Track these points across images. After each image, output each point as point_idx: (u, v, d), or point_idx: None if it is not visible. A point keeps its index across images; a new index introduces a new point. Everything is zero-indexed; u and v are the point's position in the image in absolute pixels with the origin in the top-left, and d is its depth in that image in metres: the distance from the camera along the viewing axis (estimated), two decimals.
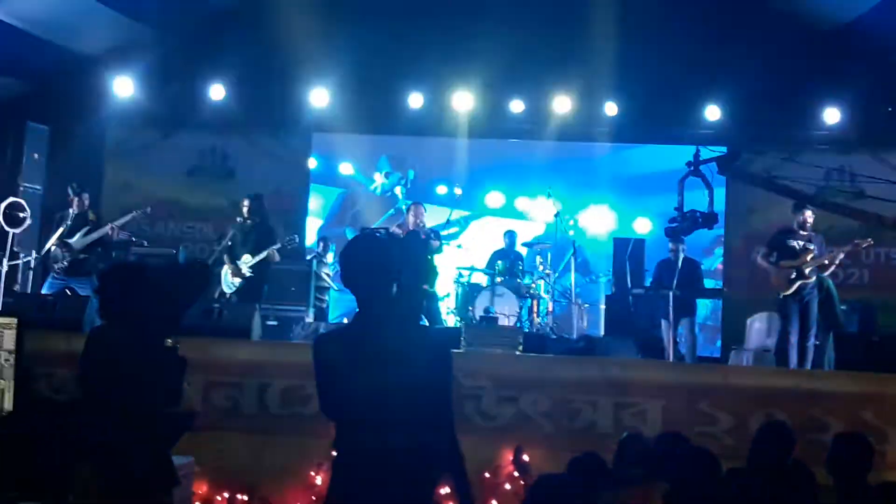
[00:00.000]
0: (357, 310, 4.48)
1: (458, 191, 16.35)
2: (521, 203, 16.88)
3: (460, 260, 14.42)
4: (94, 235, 11.96)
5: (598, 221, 16.61)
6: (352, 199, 16.94)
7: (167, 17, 14.75)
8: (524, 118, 15.52)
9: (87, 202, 12.25)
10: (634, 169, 16.10)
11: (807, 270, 11.18)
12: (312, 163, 16.57)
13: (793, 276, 11.19)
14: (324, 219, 16.74)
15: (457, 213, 15.91)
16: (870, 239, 11.88)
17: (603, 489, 5.93)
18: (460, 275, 13.93)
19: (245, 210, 12.59)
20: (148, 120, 15.75)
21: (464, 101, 15.10)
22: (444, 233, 14.36)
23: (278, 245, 12.42)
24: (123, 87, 15.27)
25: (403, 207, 12.95)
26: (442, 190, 16.38)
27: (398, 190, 14.56)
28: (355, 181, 16.92)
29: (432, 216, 14.26)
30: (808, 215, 11.29)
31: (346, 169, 16.80)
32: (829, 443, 6.54)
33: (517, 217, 16.28)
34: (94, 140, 15.90)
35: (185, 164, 16.17)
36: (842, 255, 11.65)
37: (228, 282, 12.26)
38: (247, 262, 12.15)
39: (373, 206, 16.05)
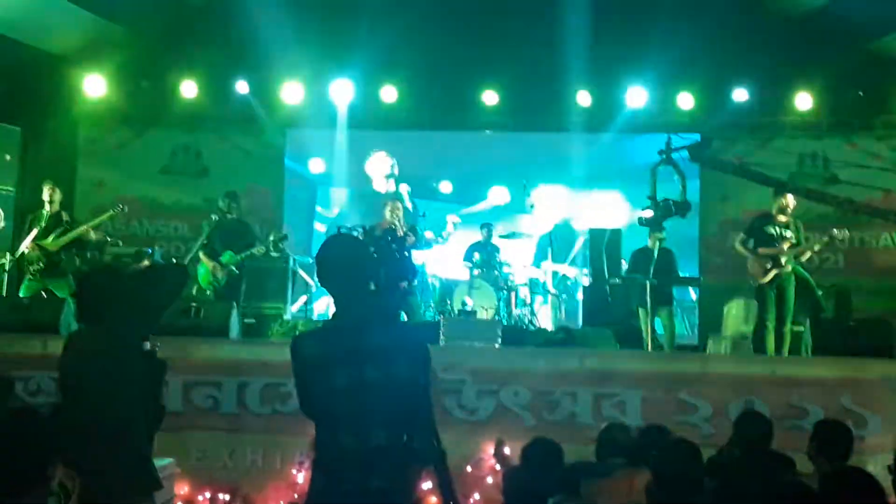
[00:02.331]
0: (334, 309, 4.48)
1: (446, 186, 16.21)
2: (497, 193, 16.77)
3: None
4: (69, 237, 11.86)
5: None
6: (359, 199, 16.73)
7: (138, 15, 14.68)
8: (497, 110, 15.52)
9: (60, 196, 12.10)
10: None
11: (783, 259, 11.20)
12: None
13: (769, 264, 11.22)
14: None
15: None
16: (846, 230, 11.96)
17: (585, 479, 5.95)
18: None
19: (221, 207, 12.50)
20: (120, 118, 15.69)
21: (437, 92, 15.11)
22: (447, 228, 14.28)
23: (267, 243, 12.38)
24: (95, 85, 15.21)
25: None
26: (446, 187, 16.21)
27: (403, 188, 14.44)
28: (363, 181, 16.66)
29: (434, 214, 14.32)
30: (790, 200, 11.28)
31: (317, 166, 16.68)
32: (808, 429, 6.57)
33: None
34: (66, 140, 15.80)
35: (158, 163, 16.07)
36: (818, 247, 11.73)
37: (208, 279, 12.19)
38: (230, 260, 12.07)
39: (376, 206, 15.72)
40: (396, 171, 16.28)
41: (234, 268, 12.09)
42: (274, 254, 12.67)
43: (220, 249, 12.20)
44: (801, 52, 14.45)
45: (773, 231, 11.33)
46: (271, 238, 12.54)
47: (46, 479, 3.38)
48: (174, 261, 11.41)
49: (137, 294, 5.03)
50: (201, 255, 12.34)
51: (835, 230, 11.73)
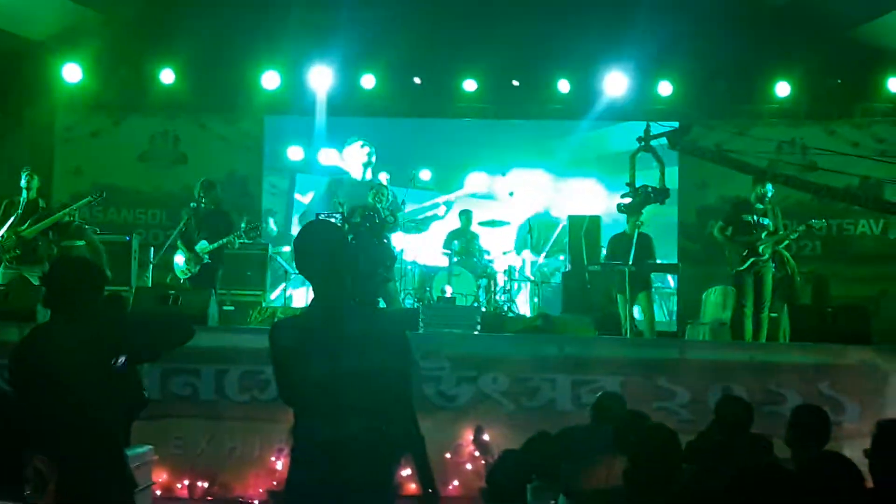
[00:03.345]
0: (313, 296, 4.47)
1: (425, 174, 16.19)
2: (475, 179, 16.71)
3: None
4: (46, 222, 11.79)
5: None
6: (336, 187, 16.65)
7: (115, 1, 14.60)
8: (476, 97, 15.53)
9: (37, 182, 12.02)
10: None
11: (760, 247, 11.26)
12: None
13: (745, 252, 11.27)
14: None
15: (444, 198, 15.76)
16: (824, 221, 12.05)
17: (563, 464, 5.97)
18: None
19: (198, 196, 12.42)
20: (98, 105, 15.64)
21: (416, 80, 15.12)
22: (428, 214, 14.32)
23: (239, 232, 12.29)
24: (72, 72, 15.14)
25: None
26: (425, 175, 16.18)
27: (383, 177, 14.40)
28: (341, 169, 16.59)
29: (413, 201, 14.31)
30: (768, 188, 11.34)
31: (295, 154, 16.61)
32: (786, 414, 6.60)
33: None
34: (43, 126, 15.74)
35: (136, 150, 16.02)
36: (795, 236, 11.82)
37: (183, 268, 12.12)
38: (203, 248, 12.00)
39: (357, 193, 15.59)
40: (374, 160, 16.25)
41: (206, 256, 12.01)
42: (246, 241, 12.59)
43: (195, 238, 12.13)
44: (780, 39, 14.51)
45: (750, 219, 11.38)
46: (242, 226, 12.45)
47: (24, 467, 3.35)
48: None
49: (141, 340, 4.98)
50: (178, 243, 12.28)
51: (813, 220, 11.83)
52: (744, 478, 3.91)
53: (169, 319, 5.30)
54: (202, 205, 12.24)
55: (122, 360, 4.85)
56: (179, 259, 12.17)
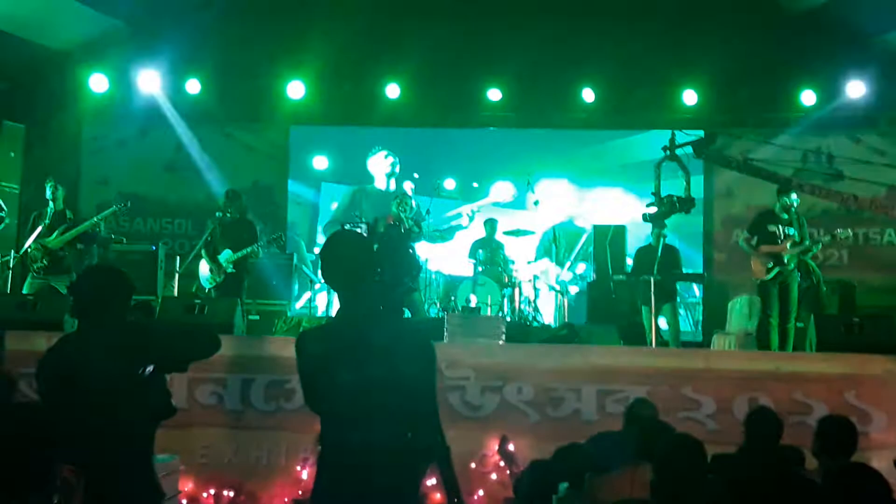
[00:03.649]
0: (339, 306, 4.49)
1: (450, 183, 16.19)
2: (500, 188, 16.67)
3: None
4: (73, 233, 11.87)
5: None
6: (361, 196, 16.68)
7: (140, 11, 14.69)
8: (502, 106, 15.55)
9: (64, 193, 12.09)
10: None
11: (785, 258, 11.21)
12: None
13: (770, 264, 11.23)
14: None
15: (467, 208, 15.76)
16: (849, 230, 11.99)
17: (588, 474, 5.95)
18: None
19: (223, 205, 12.45)
20: (124, 115, 15.68)
21: (442, 89, 15.14)
22: (452, 224, 14.34)
23: (262, 242, 12.31)
24: (98, 82, 15.24)
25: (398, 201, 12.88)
26: (450, 184, 16.18)
27: (407, 185, 14.40)
28: (365, 178, 16.64)
29: (438, 211, 14.39)
30: (794, 198, 11.30)
31: (320, 163, 16.64)
32: (812, 425, 6.57)
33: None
34: (70, 137, 15.87)
35: (162, 159, 16.11)
36: (819, 246, 11.78)
37: (208, 277, 12.16)
38: (228, 258, 12.04)
39: (381, 203, 15.59)
40: (398, 170, 16.28)
41: (230, 266, 12.03)
42: (272, 250, 12.62)
43: (220, 248, 12.16)
44: (805, 48, 14.46)
45: (775, 229, 11.34)
46: (265, 238, 12.48)
47: (52, 476, 3.38)
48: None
49: (168, 350, 5.00)
50: (202, 252, 12.32)
51: (839, 230, 11.79)
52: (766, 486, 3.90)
53: (196, 330, 5.29)
54: (227, 214, 12.27)
55: (149, 369, 4.87)
56: (204, 268, 12.20)
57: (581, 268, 15.82)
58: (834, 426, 6.27)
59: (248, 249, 12.04)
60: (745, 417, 6.68)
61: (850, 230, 12.24)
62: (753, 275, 11.46)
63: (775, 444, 6.33)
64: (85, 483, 3.54)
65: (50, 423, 3.48)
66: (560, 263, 15.22)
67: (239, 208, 12.39)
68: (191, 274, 12.71)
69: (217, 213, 12.36)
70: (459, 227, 14.05)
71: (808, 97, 14.97)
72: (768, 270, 11.23)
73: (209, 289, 12.16)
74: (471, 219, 14.42)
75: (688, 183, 10.09)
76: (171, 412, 5.15)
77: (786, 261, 11.21)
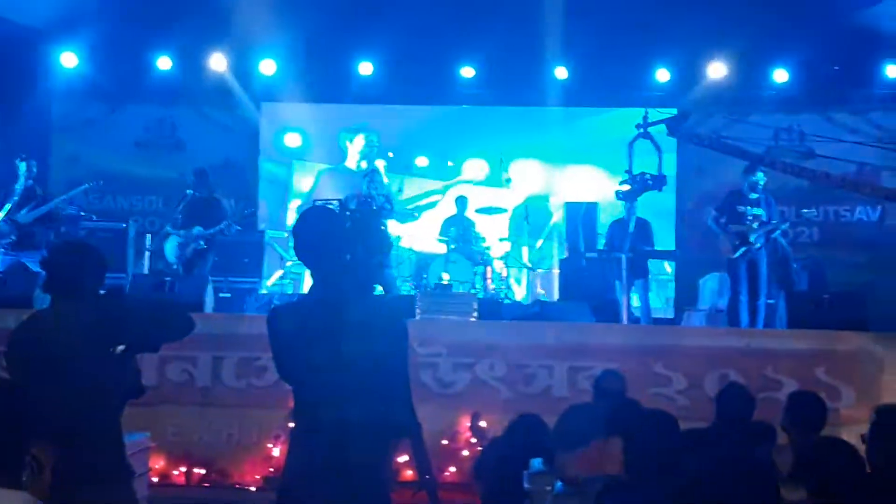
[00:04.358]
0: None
1: (422, 161, 16.13)
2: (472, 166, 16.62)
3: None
4: (43, 209, 11.80)
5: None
6: (333, 174, 16.59)
7: None
8: (475, 83, 15.53)
9: (34, 169, 12.03)
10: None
11: (752, 237, 11.30)
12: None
13: (737, 241, 11.31)
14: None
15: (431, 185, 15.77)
16: (814, 210, 12.16)
17: (557, 450, 5.95)
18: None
19: (191, 183, 12.43)
20: (94, 92, 15.63)
21: (415, 66, 15.10)
22: (423, 202, 14.32)
23: (235, 218, 12.30)
24: (69, 59, 15.17)
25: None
26: (422, 161, 16.12)
27: (380, 163, 14.35)
28: (336, 157, 16.55)
29: (410, 188, 14.34)
30: (760, 177, 11.37)
31: (292, 140, 16.54)
32: (782, 401, 6.60)
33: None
34: (40, 114, 15.70)
35: (133, 137, 16.04)
36: (785, 226, 11.90)
37: (177, 253, 12.11)
38: (199, 233, 12.00)
39: (352, 182, 15.44)
40: (374, 149, 16.20)
41: (201, 242, 12.03)
42: (239, 228, 12.61)
43: (188, 225, 12.14)
44: (777, 26, 14.46)
45: (743, 209, 11.41)
46: (237, 215, 12.48)
47: (22, 453, 3.35)
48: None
49: (142, 331, 4.96)
50: (169, 229, 12.29)
51: (804, 210, 11.96)
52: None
53: (170, 311, 5.24)
54: (196, 192, 12.24)
55: (121, 348, 4.84)
56: (171, 245, 12.17)
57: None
58: (803, 401, 6.31)
59: (222, 226, 12.02)
60: (717, 394, 6.71)
61: (814, 209, 12.37)
62: (722, 252, 11.53)
63: (747, 420, 6.35)
64: (54, 460, 3.51)
65: (20, 399, 3.45)
66: (532, 239, 15.23)
67: (207, 186, 12.37)
68: (161, 252, 12.67)
69: (187, 191, 12.32)
70: (429, 206, 14.04)
71: (780, 75, 15.02)
72: (735, 248, 11.30)
73: (176, 266, 12.11)
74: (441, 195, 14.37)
75: (660, 161, 10.12)
76: (141, 392, 5.12)
77: (752, 240, 11.29)
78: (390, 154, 15.43)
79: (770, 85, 15.19)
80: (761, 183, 11.41)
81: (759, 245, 11.35)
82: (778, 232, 11.67)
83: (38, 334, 4.80)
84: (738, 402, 6.47)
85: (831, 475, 4.40)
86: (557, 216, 15.70)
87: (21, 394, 3.52)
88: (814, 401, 6.30)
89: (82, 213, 12.99)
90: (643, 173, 10.07)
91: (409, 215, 13.70)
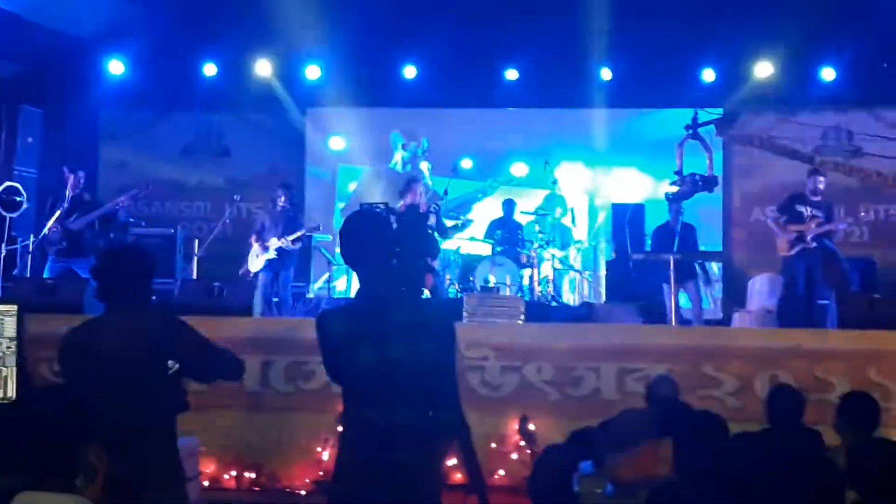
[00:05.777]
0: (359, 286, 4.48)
1: (467, 163, 16.12)
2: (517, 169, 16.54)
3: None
4: (92, 216, 11.92)
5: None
6: (375, 178, 16.62)
7: None
8: (519, 85, 15.52)
9: (82, 180, 12.17)
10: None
11: (808, 236, 11.37)
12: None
13: (793, 238, 11.33)
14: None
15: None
16: (871, 211, 12.09)
17: (607, 452, 5.92)
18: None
19: (281, 200, 13.12)
20: (141, 100, 15.75)
21: (459, 69, 15.13)
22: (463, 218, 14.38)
23: (303, 231, 12.76)
24: (116, 67, 15.34)
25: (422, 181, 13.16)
26: (467, 164, 16.11)
27: (424, 165, 14.38)
28: (380, 159, 16.61)
29: (455, 191, 14.59)
30: (821, 181, 11.60)
31: (336, 144, 16.57)
32: (834, 402, 6.54)
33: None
34: (88, 122, 15.89)
35: (179, 143, 16.18)
36: (843, 226, 11.94)
37: (255, 262, 12.59)
38: (273, 245, 12.64)
39: (395, 184, 15.51)
40: (420, 153, 16.24)
41: (273, 253, 12.64)
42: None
43: (266, 236, 12.66)
44: (825, 25, 14.32)
45: (803, 210, 11.55)
46: (302, 230, 12.98)
47: (76, 458, 3.37)
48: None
49: (195, 361, 5.04)
50: (252, 239, 12.97)
51: (861, 212, 11.98)
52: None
53: (225, 353, 5.26)
54: (277, 205, 12.79)
55: (175, 367, 4.88)
56: (254, 254, 12.87)
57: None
58: (856, 402, 6.25)
59: (295, 236, 12.72)
60: (767, 395, 6.65)
61: (870, 211, 12.36)
62: (778, 251, 11.55)
63: (798, 422, 6.30)
64: (108, 465, 3.53)
65: (75, 404, 3.47)
66: (579, 241, 15.19)
67: (288, 200, 12.82)
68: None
69: (271, 204, 12.85)
70: (469, 223, 14.06)
71: (828, 74, 14.91)
72: (791, 246, 11.34)
73: (254, 273, 12.77)
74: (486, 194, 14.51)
75: (710, 161, 10.05)
76: (186, 408, 5.14)
77: (808, 239, 11.34)
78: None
79: (817, 83, 15.05)
80: (822, 186, 11.62)
81: (815, 245, 11.43)
82: (835, 234, 11.79)
83: (95, 341, 4.84)
84: (789, 403, 6.42)
85: (884, 476, 4.35)
86: (601, 218, 15.65)
87: (76, 399, 3.55)
88: (867, 401, 6.24)
89: (131, 220, 13.12)
90: (693, 174, 9.99)
91: (457, 229, 13.73)
